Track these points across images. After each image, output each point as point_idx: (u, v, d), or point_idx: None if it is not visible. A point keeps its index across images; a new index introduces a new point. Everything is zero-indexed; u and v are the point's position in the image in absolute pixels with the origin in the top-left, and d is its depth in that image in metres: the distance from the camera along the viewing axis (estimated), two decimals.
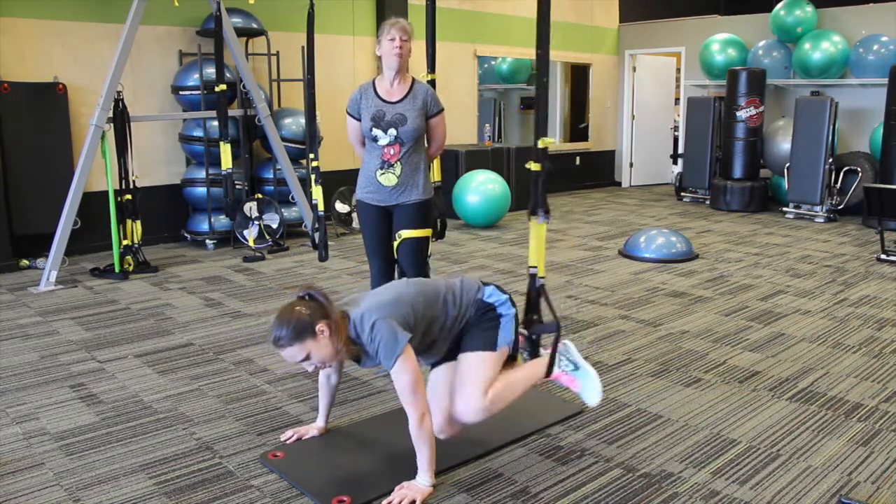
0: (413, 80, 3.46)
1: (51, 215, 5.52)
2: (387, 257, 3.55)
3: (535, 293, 2.82)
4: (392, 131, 3.35)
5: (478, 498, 2.44)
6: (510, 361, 2.67)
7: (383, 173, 3.40)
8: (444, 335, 2.57)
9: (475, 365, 2.53)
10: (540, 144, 2.77)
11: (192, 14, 6.61)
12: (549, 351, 2.72)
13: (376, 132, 3.37)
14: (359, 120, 3.44)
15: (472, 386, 2.50)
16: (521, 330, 2.78)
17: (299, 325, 2.29)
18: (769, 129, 8.77)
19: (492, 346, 2.57)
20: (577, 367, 2.74)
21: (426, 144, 3.53)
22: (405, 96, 3.39)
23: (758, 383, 3.40)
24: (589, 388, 2.71)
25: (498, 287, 2.67)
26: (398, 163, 3.39)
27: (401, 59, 3.34)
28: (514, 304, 2.65)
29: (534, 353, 2.86)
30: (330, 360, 2.39)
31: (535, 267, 2.79)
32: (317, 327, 2.30)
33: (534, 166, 2.79)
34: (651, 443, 2.82)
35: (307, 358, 2.33)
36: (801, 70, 8.70)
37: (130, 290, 5.14)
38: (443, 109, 3.50)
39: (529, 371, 2.70)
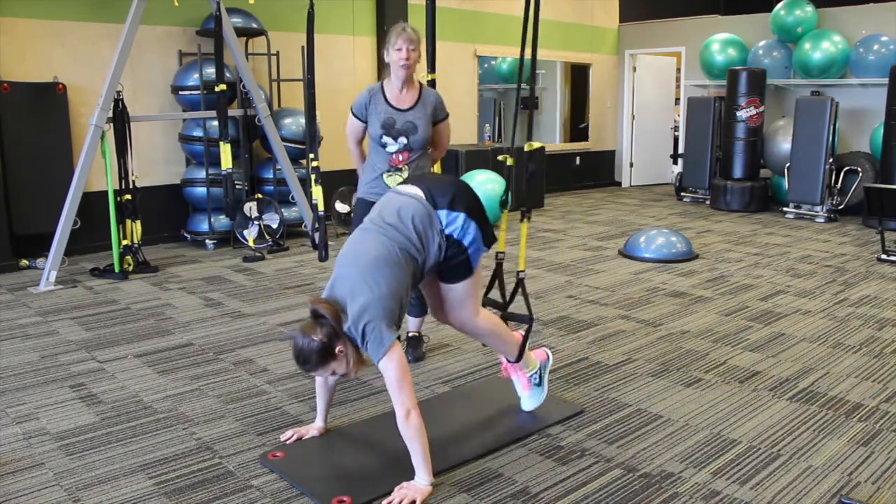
0: (421, 86, 3.47)
1: (51, 215, 5.51)
2: None
3: (517, 285, 3.01)
4: (402, 139, 3.38)
5: (478, 498, 2.43)
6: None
7: (390, 175, 3.42)
8: (419, 275, 2.61)
9: (461, 292, 2.72)
10: (526, 147, 3.10)
11: (192, 14, 6.61)
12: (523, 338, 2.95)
13: (386, 139, 3.39)
14: (363, 122, 3.44)
15: (465, 309, 2.75)
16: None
17: (322, 349, 2.38)
18: (769, 129, 8.77)
19: (469, 272, 2.68)
20: (539, 384, 3.02)
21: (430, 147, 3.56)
22: (415, 104, 3.40)
23: (758, 383, 3.40)
24: (533, 400, 3.01)
25: (449, 205, 2.59)
26: (406, 167, 3.42)
27: (408, 70, 3.35)
28: (470, 216, 2.61)
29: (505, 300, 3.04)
30: (347, 370, 2.46)
31: (503, 253, 3.02)
32: (336, 350, 2.39)
33: (510, 160, 3.08)
34: (651, 443, 2.82)
35: (332, 373, 2.47)
36: (801, 70, 8.70)
37: (130, 290, 5.13)
38: (448, 115, 3.54)
39: (511, 338, 2.92)
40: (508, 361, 2.98)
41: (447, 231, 2.60)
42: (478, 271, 2.72)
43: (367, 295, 2.42)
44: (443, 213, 2.59)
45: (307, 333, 2.38)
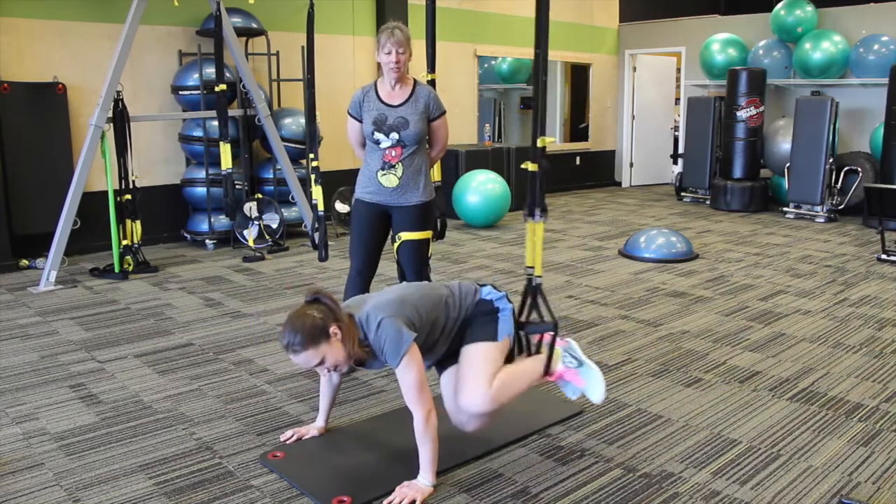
0: (415, 82, 3.46)
1: (51, 215, 5.51)
2: (368, 258, 3.51)
3: (532, 293, 2.73)
4: (394, 135, 3.35)
5: (478, 498, 2.43)
6: (509, 359, 2.66)
7: (385, 174, 3.41)
8: (444, 336, 2.59)
9: (478, 355, 2.54)
10: (539, 143, 2.64)
11: (192, 14, 6.61)
12: (546, 349, 2.70)
13: (378, 136, 3.37)
14: (360, 121, 3.44)
15: (475, 376, 2.50)
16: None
17: (313, 329, 2.28)
18: (769, 129, 8.77)
19: (492, 336, 2.57)
20: (581, 364, 2.72)
21: (428, 147, 3.54)
22: (407, 100, 3.39)
23: (758, 383, 3.40)
24: (593, 384, 2.69)
25: (493, 286, 2.71)
26: (399, 164, 3.39)
27: (398, 72, 3.35)
28: (510, 301, 2.69)
29: (531, 351, 2.78)
30: (343, 363, 2.37)
31: (532, 267, 2.70)
32: (330, 329, 2.31)
33: (531, 166, 2.66)
34: (651, 443, 2.82)
35: (321, 362, 2.33)
36: (801, 70, 8.70)
37: (130, 290, 5.13)
38: (445, 112, 3.50)
39: (529, 367, 2.67)
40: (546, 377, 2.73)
41: (487, 297, 2.65)
42: (501, 347, 2.58)
43: (401, 292, 2.50)
44: (486, 288, 2.68)
45: (301, 312, 2.33)
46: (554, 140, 10.17)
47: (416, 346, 2.36)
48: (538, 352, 2.76)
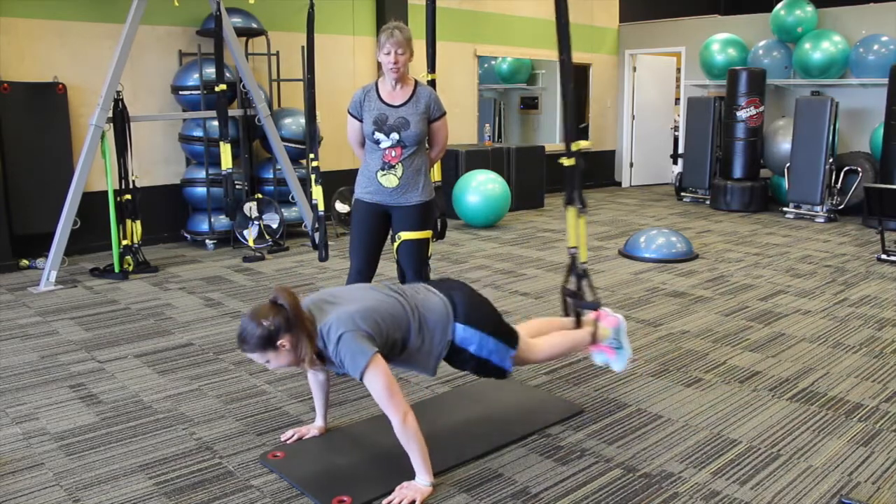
0: (416, 82, 3.46)
1: (51, 215, 5.51)
2: (368, 258, 3.52)
3: (578, 276, 3.09)
4: (394, 135, 3.36)
5: (478, 498, 2.43)
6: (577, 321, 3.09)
7: (384, 174, 3.41)
8: (405, 358, 2.60)
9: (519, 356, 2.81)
10: (573, 147, 3.06)
11: (192, 14, 6.61)
12: (593, 322, 3.07)
13: (378, 136, 3.37)
14: (360, 121, 3.44)
15: (527, 361, 2.91)
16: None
17: (262, 336, 2.35)
18: (769, 129, 8.77)
19: (505, 373, 2.76)
20: (620, 347, 3.08)
21: (427, 147, 3.54)
22: (408, 100, 3.39)
23: (758, 383, 3.40)
24: (619, 362, 3.08)
25: (467, 320, 2.65)
26: (399, 164, 3.39)
27: (398, 73, 3.35)
28: (486, 332, 2.67)
29: (578, 323, 3.12)
30: (287, 366, 2.46)
31: (576, 248, 3.08)
32: (279, 342, 2.37)
33: (566, 161, 3.07)
34: (651, 443, 2.82)
35: (268, 362, 2.44)
36: (801, 70, 8.70)
37: (130, 290, 5.13)
38: (445, 113, 3.51)
39: (579, 336, 3.05)
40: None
41: (461, 344, 2.65)
42: (522, 345, 2.79)
43: (369, 304, 2.47)
44: (460, 327, 2.64)
45: (258, 316, 2.38)
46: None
47: (379, 355, 2.38)
48: (579, 323, 3.12)
